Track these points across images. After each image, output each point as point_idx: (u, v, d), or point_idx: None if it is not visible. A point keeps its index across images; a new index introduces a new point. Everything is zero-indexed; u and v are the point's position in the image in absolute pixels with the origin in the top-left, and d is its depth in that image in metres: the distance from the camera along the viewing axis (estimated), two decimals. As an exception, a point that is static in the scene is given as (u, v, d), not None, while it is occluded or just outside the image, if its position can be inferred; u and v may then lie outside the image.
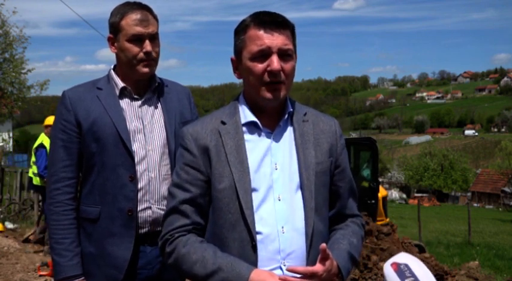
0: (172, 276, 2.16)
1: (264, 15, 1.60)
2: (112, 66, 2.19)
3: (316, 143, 1.68)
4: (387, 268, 1.38)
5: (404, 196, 56.22)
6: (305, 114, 1.72)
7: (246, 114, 1.66)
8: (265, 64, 1.57)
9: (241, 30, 1.63)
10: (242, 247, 1.57)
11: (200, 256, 1.55)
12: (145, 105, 2.14)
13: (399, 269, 1.35)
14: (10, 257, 6.97)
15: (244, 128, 1.65)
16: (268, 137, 1.65)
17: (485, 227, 20.88)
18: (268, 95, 1.59)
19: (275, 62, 1.55)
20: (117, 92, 2.11)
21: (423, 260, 6.55)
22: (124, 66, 2.11)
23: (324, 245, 1.48)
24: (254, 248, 1.56)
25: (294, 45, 1.64)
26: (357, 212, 1.81)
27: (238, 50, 1.64)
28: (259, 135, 1.65)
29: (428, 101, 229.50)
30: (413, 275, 1.32)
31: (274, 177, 1.62)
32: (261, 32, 1.57)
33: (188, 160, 1.64)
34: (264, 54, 1.57)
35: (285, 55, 1.58)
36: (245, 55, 1.60)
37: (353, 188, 1.80)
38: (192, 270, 1.56)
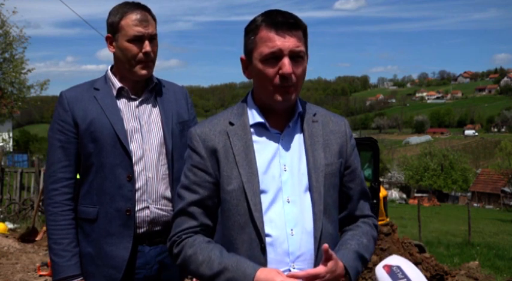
0: (170, 276, 2.15)
1: (276, 15, 1.55)
2: (109, 67, 2.19)
3: (325, 144, 1.65)
4: (379, 270, 1.37)
5: (404, 196, 56.26)
6: (315, 114, 1.69)
7: (254, 115, 1.63)
8: (276, 67, 1.53)
9: (252, 30, 1.58)
10: (251, 249, 1.55)
11: (206, 257, 1.53)
12: (143, 106, 2.14)
13: (391, 271, 1.34)
14: (10, 257, 6.96)
15: (252, 129, 1.62)
16: (276, 138, 1.62)
17: (485, 227, 20.88)
18: (279, 98, 1.55)
19: (287, 65, 1.51)
20: (115, 93, 2.11)
21: (423, 260, 6.56)
22: (122, 66, 2.11)
23: (326, 245, 1.45)
24: (263, 250, 1.54)
25: (306, 46, 1.60)
26: (369, 212, 1.76)
27: (249, 51, 1.60)
28: (268, 136, 1.62)
29: (428, 101, 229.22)
30: (406, 276, 1.32)
31: (283, 179, 1.59)
32: (273, 34, 1.52)
33: (196, 161, 1.62)
34: (275, 57, 1.53)
35: (297, 57, 1.54)
36: (256, 56, 1.56)
37: (364, 189, 1.76)
38: (198, 271, 1.54)
